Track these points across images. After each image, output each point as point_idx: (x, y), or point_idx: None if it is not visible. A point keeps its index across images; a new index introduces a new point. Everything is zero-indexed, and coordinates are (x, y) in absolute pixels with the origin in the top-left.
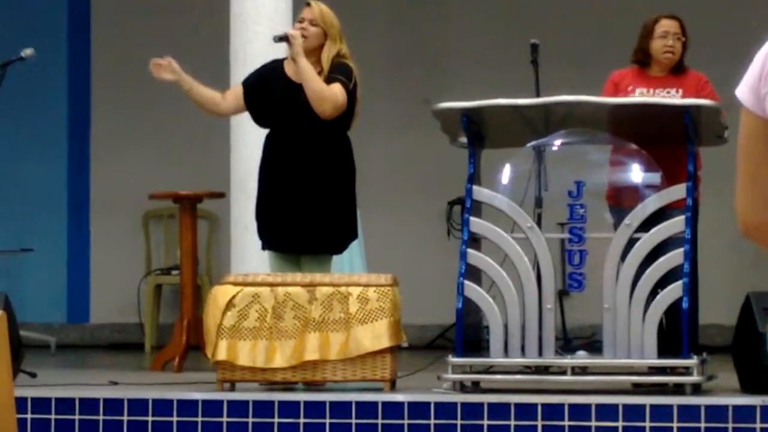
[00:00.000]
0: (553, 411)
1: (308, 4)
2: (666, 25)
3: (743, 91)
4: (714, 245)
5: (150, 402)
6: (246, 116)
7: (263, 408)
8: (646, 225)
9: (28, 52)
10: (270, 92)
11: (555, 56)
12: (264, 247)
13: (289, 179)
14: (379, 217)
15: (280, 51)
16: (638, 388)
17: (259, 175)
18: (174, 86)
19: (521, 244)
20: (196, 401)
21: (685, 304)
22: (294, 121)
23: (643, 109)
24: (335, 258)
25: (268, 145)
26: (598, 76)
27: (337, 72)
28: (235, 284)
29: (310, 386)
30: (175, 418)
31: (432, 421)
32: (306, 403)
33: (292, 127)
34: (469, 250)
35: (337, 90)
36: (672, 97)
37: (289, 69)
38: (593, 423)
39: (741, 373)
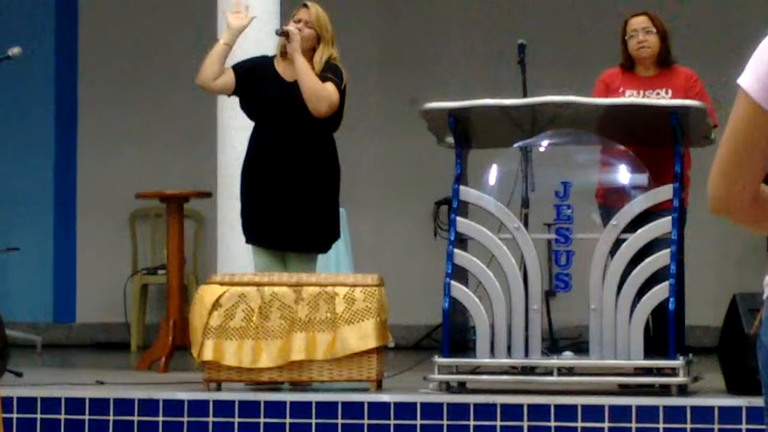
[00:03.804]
0: (539, 412)
1: (305, 5)
2: (633, 24)
3: (755, 88)
4: (700, 246)
5: (136, 402)
6: (232, 116)
7: (249, 408)
8: (633, 226)
9: (15, 50)
10: (259, 88)
11: (542, 57)
12: (248, 241)
13: (277, 177)
14: (365, 217)
15: (268, 47)
16: (624, 389)
17: (243, 170)
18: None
19: (508, 245)
20: (182, 401)
21: (671, 306)
22: (284, 120)
23: (630, 110)
24: (321, 257)
25: (256, 141)
26: (586, 77)
27: (329, 72)
28: (222, 284)
29: (296, 386)
30: (160, 418)
31: (418, 422)
32: (292, 403)
33: (282, 126)
34: (456, 251)
35: (331, 89)
36: (661, 98)
37: (279, 67)
38: (579, 424)
39: (727, 375)
